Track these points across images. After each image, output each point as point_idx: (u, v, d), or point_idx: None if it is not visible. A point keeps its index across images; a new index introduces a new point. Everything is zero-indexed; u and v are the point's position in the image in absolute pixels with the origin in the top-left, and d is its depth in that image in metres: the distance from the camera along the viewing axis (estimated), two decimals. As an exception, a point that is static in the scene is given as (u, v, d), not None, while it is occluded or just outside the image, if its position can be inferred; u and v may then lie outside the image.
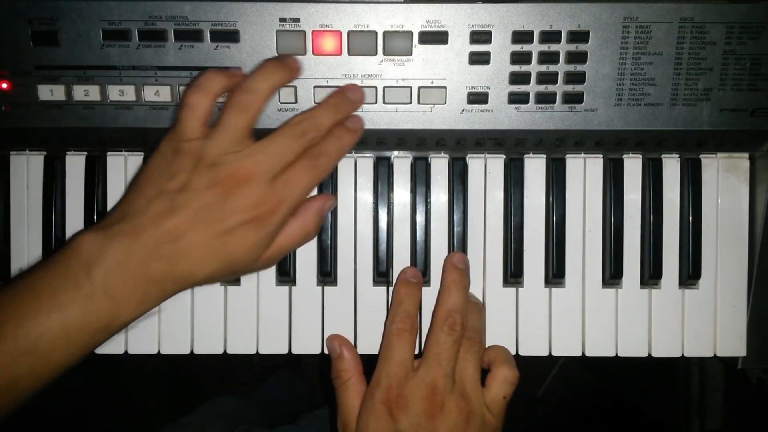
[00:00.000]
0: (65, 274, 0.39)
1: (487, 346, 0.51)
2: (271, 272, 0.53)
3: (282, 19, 0.48)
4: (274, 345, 0.54)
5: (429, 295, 0.53)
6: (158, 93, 0.49)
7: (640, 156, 0.54)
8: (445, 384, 0.46)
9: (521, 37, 0.48)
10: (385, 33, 0.48)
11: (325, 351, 0.53)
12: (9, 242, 0.53)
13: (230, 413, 0.81)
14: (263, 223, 0.42)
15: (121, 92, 0.49)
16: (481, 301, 0.53)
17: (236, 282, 0.54)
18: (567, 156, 0.54)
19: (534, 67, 0.49)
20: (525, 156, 0.53)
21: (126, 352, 0.54)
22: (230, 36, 0.48)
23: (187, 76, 0.49)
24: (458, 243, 0.53)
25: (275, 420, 0.93)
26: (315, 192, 0.53)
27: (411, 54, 0.49)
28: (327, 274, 0.53)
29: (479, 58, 0.49)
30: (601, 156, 0.54)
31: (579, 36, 0.48)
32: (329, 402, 0.73)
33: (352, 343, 0.53)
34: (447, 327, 0.47)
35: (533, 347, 0.53)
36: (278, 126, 0.45)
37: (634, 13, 0.48)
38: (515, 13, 0.48)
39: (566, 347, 0.54)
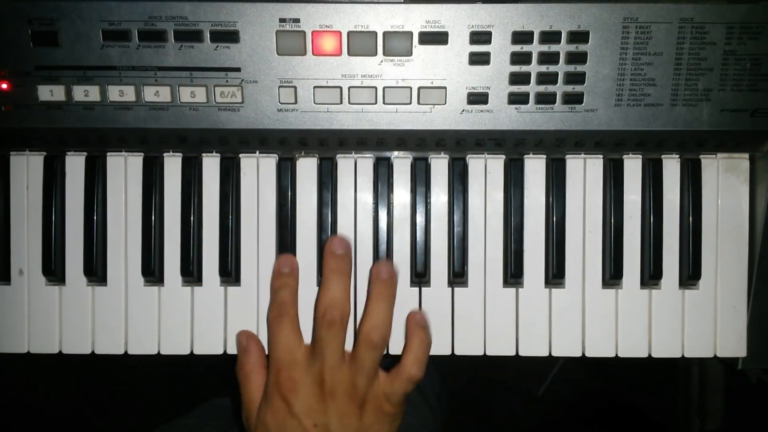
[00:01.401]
0: None
1: (424, 333, 0.50)
2: (271, 272, 0.53)
3: (282, 20, 0.48)
4: (274, 345, 0.53)
5: (431, 295, 0.53)
6: (158, 93, 0.49)
7: (640, 156, 0.54)
8: (333, 375, 0.47)
9: (521, 37, 0.48)
10: (385, 33, 0.48)
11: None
12: (9, 242, 0.53)
13: (226, 414, 0.80)
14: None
15: (120, 93, 0.49)
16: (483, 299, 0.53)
17: (236, 282, 0.54)
18: (567, 156, 0.54)
19: (534, 68, 0.49)
20: (525, 156, 0.53)
21: (126, 352, 0.54)
22: (230, 36, 0.48)
23: (187, 77, 0.49)
24: (458, 243, 0.53)
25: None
26: (315, 197, 0.54)
27: (411, 54, 0.49)
28: (327, 274, 0.53)
29: (479, 59, 0.49)
30: (601, 156, 0.53)
31: (579, 36, 0.48)
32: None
33: (352, 343, 0.53)
34: (326, 323, 0.48)
35: (533, 347, 0.53)
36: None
37: (634, 14, 0.48)
38: (515, 13, 0.48)
39: (566, 348, 0.54)
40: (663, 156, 0.54)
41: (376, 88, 0.49)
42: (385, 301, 0.49)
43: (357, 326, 0.52)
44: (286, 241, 0.53)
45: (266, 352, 0.52)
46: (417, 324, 0.50)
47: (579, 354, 0.54)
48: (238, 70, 0.49)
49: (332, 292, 0.49)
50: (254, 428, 0.49)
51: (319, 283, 0.54)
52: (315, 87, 0.49)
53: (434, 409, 0.75)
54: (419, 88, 0.49)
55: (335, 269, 0.49)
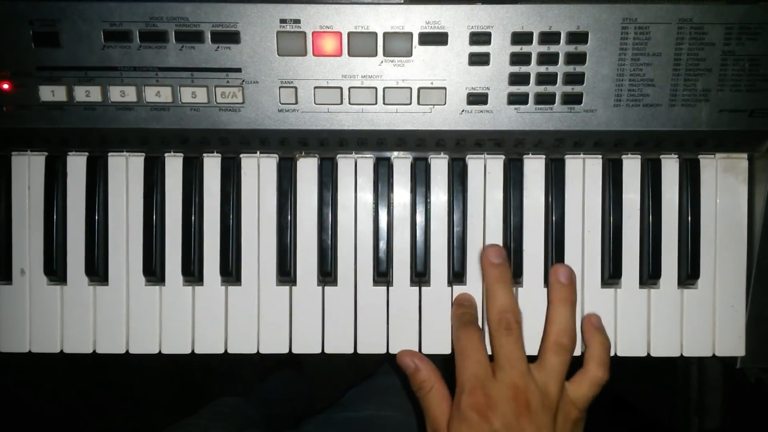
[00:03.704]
0: None
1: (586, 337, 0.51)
2: (272, 272, 0.54)
3: (282, 21, 0.48)
4: (274, 345, 0.54)
5: (431, 294, 0.53)
6: (159, 94, 0.49)
7: (639, 156, 0.54)
8: (525, 384, 0.46)
9: (521, 38, 0.48)
10: (385, 34, 0.48)
11: (326, 350, 0.54)
12: (10, 242, 0.54)
13: (234, 414, 0.81)
14: None
15: (122, 93, 0.49)
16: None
17: (237, 282, 0.54)
18: (566, 156, 0.54)
19: (533, 68, 0.49)
20: (524, 156, 0.54)
21: (127, 351, 0.54)
22: (231, 37, 0.48)
23: (188, 77, 0.49)
24: (458, 243, 0.53)
25: (275, 419, 0.94)
26: (315, 197, 0.54)
27: (411, 55, 0.49)
28: (327, 274, 0.53)
29: (479, 59, 0.49)
30: (600, 156, 0.54)
31: (578, 37, 0.48)
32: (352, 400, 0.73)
33: (352, 343, 0.53)
34: (503, 330, 0.48)
35: (533, 347, 0.53)
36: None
37: (633, 14, 0.48)
38: (514, 14, 0.48)
39: (565, 347, 0.54)
40: (662, 156, 0.54)
41: (376, 88, 0.49)
42: (567, 304, 0.50)
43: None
44: (286, 241, 0.53)
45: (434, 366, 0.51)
46: (594, 327, 0.51)
47: (578, 353, 0.54)
48: (238, 70, 0.49)
49: (500, 299, 0.49)
50: None
51: (320, 283, 0.54)
52: (315, 87, 0.49)
53: None
54: (419, 89, 0.50)
55: (498, 278, 0.50)
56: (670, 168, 0.54)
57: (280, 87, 0.49)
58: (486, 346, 0.49)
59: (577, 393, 0.49)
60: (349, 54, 0.49)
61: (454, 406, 0.47)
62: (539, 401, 0.46)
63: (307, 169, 0.54)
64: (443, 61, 0.49)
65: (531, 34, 0.48)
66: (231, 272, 0.53)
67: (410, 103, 0.50)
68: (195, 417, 0.76)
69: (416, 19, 0.48)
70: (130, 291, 0.54)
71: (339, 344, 0.54)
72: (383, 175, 0.54)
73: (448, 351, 0.53)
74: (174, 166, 0.54)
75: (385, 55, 0.49)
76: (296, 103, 0.50)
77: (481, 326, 0.52)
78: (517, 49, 0.49)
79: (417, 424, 0.72)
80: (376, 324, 0.53)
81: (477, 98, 0.49)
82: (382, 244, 0.54)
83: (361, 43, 0.48)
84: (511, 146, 0.52)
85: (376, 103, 0.50)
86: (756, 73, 0.49)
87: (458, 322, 0.51)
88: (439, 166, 0.54)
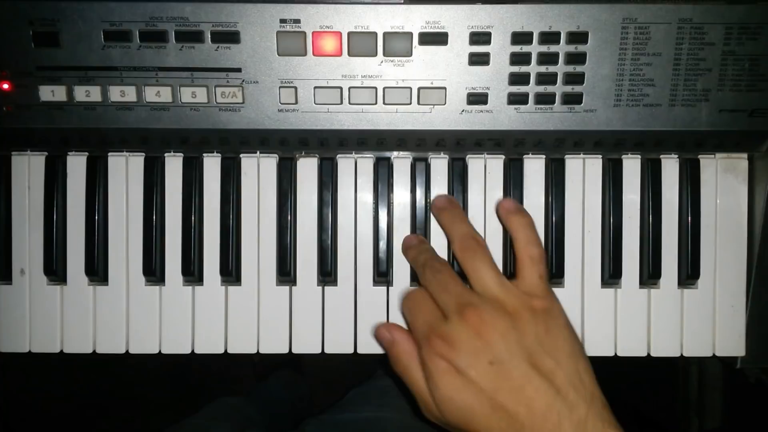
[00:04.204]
0: None
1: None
2: (272, 272, 0.54)
3: (282, 20, 0.48)
4: (274, 345, 0.54)
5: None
6: (159, 94, 0.49)
7: (639, 156, 0.54)
8: (468, 299, 0.43)
9: (521, 38, 0.48)
10: (385, 34, 0.48)
11: (326, 350, 0.54)
12: (10, 242, 0.54)
13: (234, 414, 0.81)
14: None
15: (122, 93, 0.49)
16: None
17: (237, 282, 0.54)
18: (566, 156, 0.54)
19: (533, 68, 0.49)
20: (524, 156, 0.54)
21: (127, 351, 0.54)
22: (231, 37, 0.48)
23: (188, 77, 0.49)
24: (458, 243, 0.53)
25: (275, 419, 0.94)
26: (315, 197, 0.54)
27: (411, 55, 0.49)
28: (327, 274, 0.53)
29: (479, 59, 0.49)
30: (600, 156, 0.54)
31: (578, 37, 0.48)
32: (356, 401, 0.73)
33: (352, 343, 0.53)
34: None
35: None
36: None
37: (633, 14, 0.48)
38: (514, 14, 0.48)
39: (565, 347, 0.54)
40: (662, 156, 0.54)
41: (376, 88, 0.49)
42: (457, 220, 0.49)
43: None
44: (286, 241, 0.53)
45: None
46: (508, 211, 0.48)
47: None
48: (238, 70, 0.49)
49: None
50: (438, 412, 0.43)
51: (320, 283, 0.54)
52: (315, 87, 0.49)
53: None
54: (419, 89, 0.50)
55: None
56: (670, 168, 0.54)
57: (280, 87, 0.49)
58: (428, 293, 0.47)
59: (524, 282, 0.45)
60: (349, 54, 0.49)
61: (423, 365, 0.44)
62: (490, 310, 0.42)
63: (307, 169, 0.54)
64: (443, 61, 0.49)
65: (531, 34, 0.48)
66: (231, 272, 0.53)
67: (410, 103, 0.50)
68: (195, 417, 0.76)
69: (416, 19, 0.48)
70: (130, 291, 0.54)
71: (339, 344, 0.54)
72: (383, 175, 0.54)
73: (448, 351, 0.53)
74: (174, 166, 0.54)
75: (385, 55, 0.49)
76: (296, 103, 0.50)
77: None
78: (517, 49, 0.49)
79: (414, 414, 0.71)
80: (377, 324, 0.53)
81: (477, 98, 0.49)
82: (382, 244, 0.54)
83: (361, 43, 0.48)
84: (511, 146, 0.52)
85: (376, 103, 0.50)
86: (756, 73, 0.49)
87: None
88: (439, 166, 0.54)
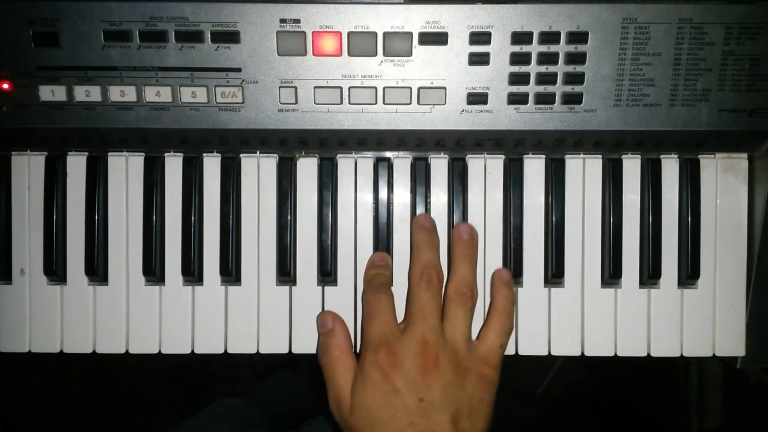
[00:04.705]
0: None
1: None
2: (272, 272, 0.54)
3: (282, 20, 0.48)
4: (274, 345, 0.54)
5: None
6: (159, 94, 0.49)
7: (639, 156, 0.54)
8: (435, 338, 0.46)
9: (520, 37, 0.48)
10: (385, 34, 0.48)
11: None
12: (10, 242, 0.54)
13: (234, 414, 0.81)
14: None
15: (122, 93, 0.49)
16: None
17: (237, 282, 0.54)
18: (566, 156, 0.54)
19: (533, 68, 0.49)
20: (524, 156, 0.54)
21: (127, 351, 0.54)
22: (231, 37, 0.48)
23: (188, 77, 0.49)
24: (458, 243, 0.53)
25: (275, 419, 0.94)
26: (315, 197, 0.54)
27: (411, 55, 0.49)
28: (327, 274, 0.53)
29: (479, 59, 0.49)
30: (600, 156, 0.54)
31: (578, 37, 0.48)
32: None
33: (353, 342, 0.53)
34: (424, 282, 0.48)
35: (532, 347, 0.54)
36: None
37: (633, 14, 0.48)
38: (514, 13, 0.48)
39: (565, 347, 0.54)
40: (662, 156, 0.54)
41: (376, 88, 0.49)
42: (467, 260, 0.50)
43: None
44: (286, 241, 0.53)
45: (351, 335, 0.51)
46: (501, 281, 0.51)
47: (578, 353, 0.54)
48: (238, 70, 0.49)
49: (425, 256, 0.49)
50: (349, 413, 0.46)
51: (320, 283, 0.54)
52: (315, 87, 0.49)
53: None
54: (419, 89, 0.50)
55: (425, 240, 0.50)
56: (670, 168, 0.54)
57: (280, 87, 0.49)
58: (395, 308, 0.49)
59: (485, 346, 0.48)
60: (349, 54, 0.49)
61: (358, 367, 0.46)
62: (447, 358, 0.45)
63: (307, 169, 0.54)
64: (443, 60, 0.49)
65: (531, 33, 0.48)
66: (231, 272, 0.53)
67: (410, 103, 0.50)
68: (195, 418, 0.76)
69: (416, 19, 0.48)
70: (130, 291, 0.54)
71: (339, 344, 0.54)
72: (383, 175, 0.54)
73: (448, 351, 0.53)
74: (174, 166, 0.54)
75: (385, 54, 0.49)
76: (296, 102, 0.50)
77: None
78: (517, 48, 0.49)
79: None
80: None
81: (477, 98, 0.49)
82: (382, 245, 0.54)
83: (361, 43, 0.48)
84: (511, 146, 0.52)
85: (376, 103, 0.50)
86: (756, 73, 0.49)
87: (369, 283, 0.50)
88: (439, 166, 0.54)
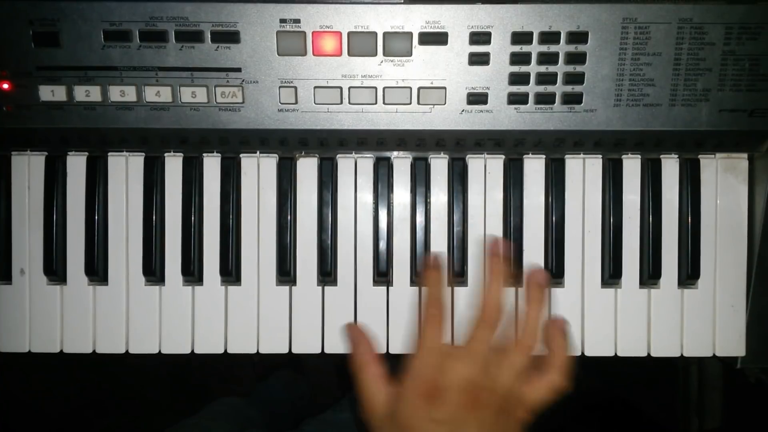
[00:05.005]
0: None
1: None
2: (272, 272, 0.54)
3: (282, 20, 0.48)
4: (274, 344, 0.54)
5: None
6: (159, 93, 0.49)
7: (639, 156, 0.54)
8: (483, 380, 0.45)
9: (520, 37, 0.48)
10: (385, 34, 0.48)
11: (326, 350, 0.54)
12: (10, 242, 0.54)
13: (234, 414, 0.81)
14: None
15: (122, 93, 0.49)
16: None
17: (237, 282, 0.54)
18: (566, 156, 0.54)
19: (533, 68, 0.49)
20: (524, 156, 0.54)
21: (127, 351, 0.54)
22: (231, 37, 0.48)
23: (188, 77, 0.49)
24: (458, 243, 0.53)
25: (275, 419, 0.94)
26: (315, 197, 0.54)
27: (411, 55, 0.49)
28: (327, 274, 0.53)
29: (479, 59, 0.49)
30: (600, 156, 0.54)
31: (578, 37, 0.48)
32: (347, 398, 0.73)
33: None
34: (483, 322, 0.46)
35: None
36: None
37: (633, 14, 0.48)
38: (514, 13, 0.48)
39: (565, 347, 0.54)
40: (662, 156, 0.54)
41: (376, 88, 0.49)
42: (539, 306, 0.49)
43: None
44: (286, 241, 0.53)
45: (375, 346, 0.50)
46: (560, 331, 0.49)
47: (578, 353, 0.54)
48: (238, 70, 0.49)
49: (493, 296, 0.47)
50: (381, 420, 0.46)
51: (320, 283, 0.54)
52: (315, 87, 0.49)
53: None
54: (419, 89, 0.50)
55: (495, 274, 0.48)
56: (671, 168, 0.54)
57: (280, 87, 0.49)
58: (450, 331, 0.48)
59: (533, 397, 0.47)
60: (349, 54, 0.49)
61: (402, 381, 0.46)
62: (492, 399, 0.45)
63: (307, 169, 0.54)
64: (443, 60, 0.49)
65: (531, 33, 0.48)
66: (231, 272, 0.53)
67: (410, 103, 0.50)
68: (195, 417, 0.76)
69: (416, 19, 0.48)
70: (130, 291, 0.54)
71: (339, 344, 0.54)
72: (383, 175, 0.54)
73: (448, 351, 0.53)
74: (174, 165, 0.54)
75: (385, 54, 0.49)
76: (296, 102, 0.50)
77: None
78: (517, 48, 0.49)
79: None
80: (376, 324, 0.53)
81: (477, 98, 0.49)
82: (382, 244, 0.54)
83: (361, 43, 0.48)
84: (511, 146, 0.52)
85: (376, 103, 0.50)
86: (756, 73, 0.49)
87: (429, 318, 0.48)
88: (439, 166, 0.54)
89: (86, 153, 0.54)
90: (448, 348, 0.47)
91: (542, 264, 0.54)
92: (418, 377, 0.46)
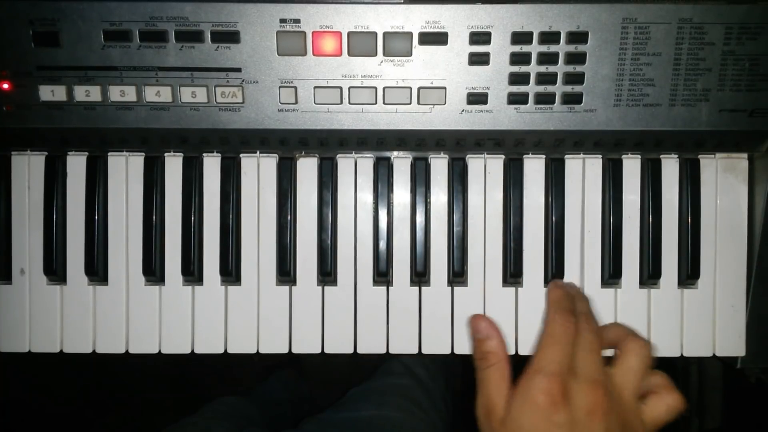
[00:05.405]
0: None
1: None
2: (272, 272, 0.54)
3: (282, 20, 0.48)
4: (274, 344, 0.54)
5: (431, 294, 0.53)
6: (159, 93, 0.49)
7: (639, 156, 0.54)
8: (608, 385, 0.45)
9: (520, 37, 0.48)
10: (385, 34, 0.48)
11: (326, 350, 0.54)
12: (10, 242, 0.54)
13: (234, 413, 0.81)
14: None
15: (122, 93, 0.49)
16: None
17: (237, 281, 0.54)
18: (566, 156, 0.54)
19: (533, 68, 0.49)
20: (524, 156, 0.54)
21: (127, 351, 0.54)
22: (231, 37, 0.48)
23: (188, 77, 0.49)
24: (458, 243, 0.53)
25: (275, 419, 0.94)
26: (315, 197, 0.54)
27: (411, 55, 0.49)
28: (327, 274, 0.53)
29: (479, 59, 0.49)
30: (600, 156, 0.54)
31: (578, 37, 0.48)
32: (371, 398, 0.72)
33: (352, 343, 0.53)
34: (578, 315, 0.47)
35: (532, 347, 0.53)
36: None
37: (633, 14, 0.48)
38: (514, 13, 0.48)
39: (565, 347, 0.54)
40: (662, 156, 0.54)
41: (376, 88, 0.49)
42: (619, 326, 0.49)
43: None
44: (286, 241, 0.53)
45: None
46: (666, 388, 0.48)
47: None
48: (238, 70, 0.49)
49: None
50: (500, 424, 0.45)
51: (320, 283, 0.54)
52: (315, 87, 0.49)
53: (441, 413, 0.75)
54: (419, 89, 0.50)
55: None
56: (670, 168, 0.54)
57: (280, 87, 0.49)
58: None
59: (652, 414, 0.46)
60: (349, 54, 0.49)
61: (523, 383, 0.45)
62: (615, 408, 0.44)
63: (307, 168, 0.54)
64: (443, 60, 0.49)
65: (531, 33, 0.48)
66: (231, 272, 0.53)
67: (410, 103, 0.50)
68: (195, 416, 0.76)
69: (416, 19, 0.48)
70: (130, 291, 0.54)
71: (339, 344, 0.54)
72: (383, 175, 0.54)
73: (447, 351, 0.53)
74: (174, 165, 0.54)
75: (385, 54, 0.49)
76: (296, 102, 0.50)
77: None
78: (517, 48, 0.49)
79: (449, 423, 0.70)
80: (376, 324, 0.53)
81: (477, 98, 0.49)
82: (382, 244, 0.54)
83: (361, 43, 0.48)
84: (511, 146, 0.52)
85: (376, 103, 0.50)
86: (756, 73, 0.49)
87: (556, 305, 0.48)
88: (439, 166, 0.54)
89: (86, 153, 0.54)
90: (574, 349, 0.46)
91: (542, 264, 0.54)
92: (546, 375, 0.44)
